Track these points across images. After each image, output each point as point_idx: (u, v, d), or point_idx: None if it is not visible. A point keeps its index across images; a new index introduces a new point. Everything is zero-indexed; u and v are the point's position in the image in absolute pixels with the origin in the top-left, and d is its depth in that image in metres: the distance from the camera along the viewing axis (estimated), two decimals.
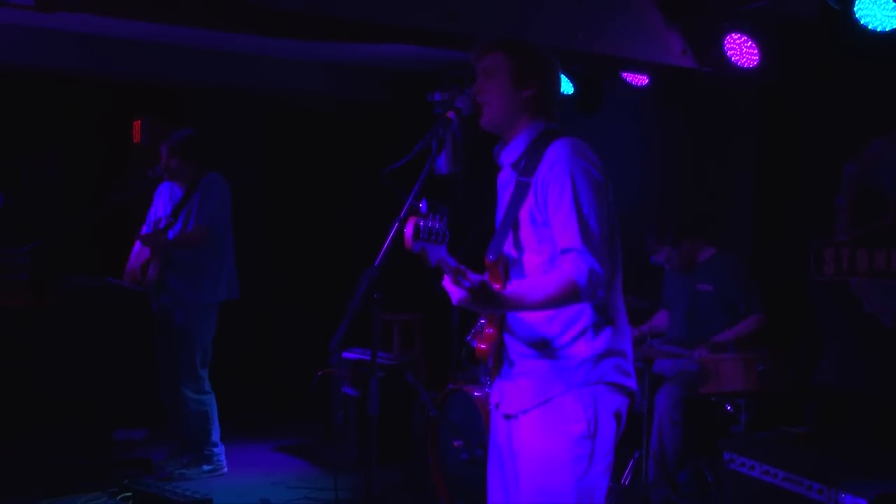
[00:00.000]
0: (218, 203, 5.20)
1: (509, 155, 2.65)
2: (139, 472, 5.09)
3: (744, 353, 4.54)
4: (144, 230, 5.43)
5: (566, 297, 2.41)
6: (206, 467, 5.23)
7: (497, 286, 2.42)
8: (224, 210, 5.26)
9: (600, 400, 2.53)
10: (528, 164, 2.57)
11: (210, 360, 5.30)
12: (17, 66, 6.04)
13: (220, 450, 5.31)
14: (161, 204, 5.40)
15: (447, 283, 2.36)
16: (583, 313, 2.52)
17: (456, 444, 4.45)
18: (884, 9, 4.08)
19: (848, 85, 4.77)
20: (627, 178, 5.92)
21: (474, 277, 2.30)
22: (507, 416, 2.64)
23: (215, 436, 5.30)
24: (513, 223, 2.57)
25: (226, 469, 5.31)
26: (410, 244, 2.24)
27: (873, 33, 4.13)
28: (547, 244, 2.53)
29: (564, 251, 2.45)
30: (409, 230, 2.24)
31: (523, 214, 2.55)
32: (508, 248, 2.60)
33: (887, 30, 4.11)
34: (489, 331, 2.61)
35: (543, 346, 2.55)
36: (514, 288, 2.49)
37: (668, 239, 4.89)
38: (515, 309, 2.49)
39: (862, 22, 4.10)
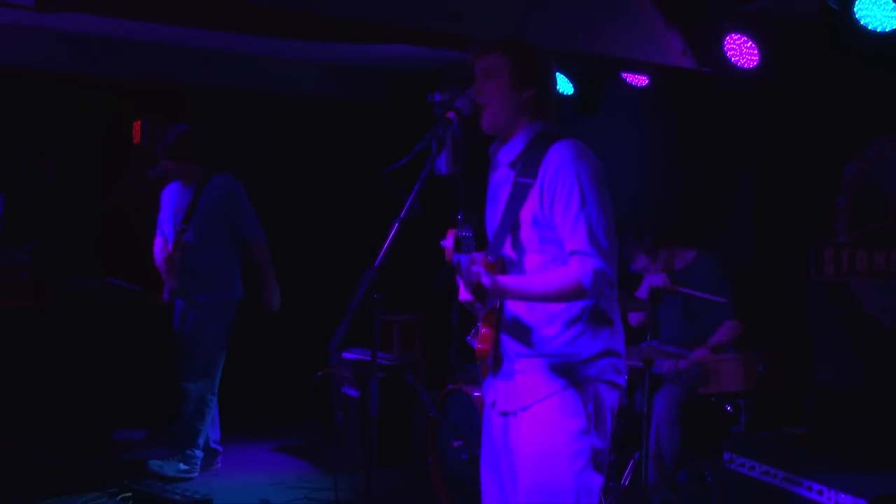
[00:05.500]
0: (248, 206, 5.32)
1: (507, 154, 2.64)
2: (139, 473, 5.07)
3: (744, 353, 4.53)
4: (159, 235, 5.40)
5: (570, 295, 2.47)
6: (182, 466, 5.17)
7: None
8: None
9: (598, 396, 2.55)
10: (527, 165, 2.56)
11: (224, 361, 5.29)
12: (17, 66, 6.03)
13: (200, 454, 5.25)
14: (170, 205, 5.36)
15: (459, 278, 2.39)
16: (583, 315, 2.54)
17: (456, 444, 4.45)
18: (884, 9, 4.08)
19: (848, 85, 4.76)
20: (627, 179, 5.92)
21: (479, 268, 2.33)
22: (505, 414, 2.64)
23: (202, 439, 5.26)
24: (512, 224, 2.56)
25: (197, 474, 5.23)
26: (451, 256, 2.25)
27: (873, 33, 4.13)
28: (549, 245, 2.53)
29: (572, 253, 2.48)
30: (449, 243, 2.24)
31: (524, 216, 2.54)
32: (507, 249, 2.59)
33: (887, 30, 4.11)
34: (485, 330, 2.60)
35: (542, 345, 2.55)
36: (520, 278, 2.53)
37: (646, 244, 4.83)
38: (519, 297, 2.51)
39: (862, 22, 4.11)
